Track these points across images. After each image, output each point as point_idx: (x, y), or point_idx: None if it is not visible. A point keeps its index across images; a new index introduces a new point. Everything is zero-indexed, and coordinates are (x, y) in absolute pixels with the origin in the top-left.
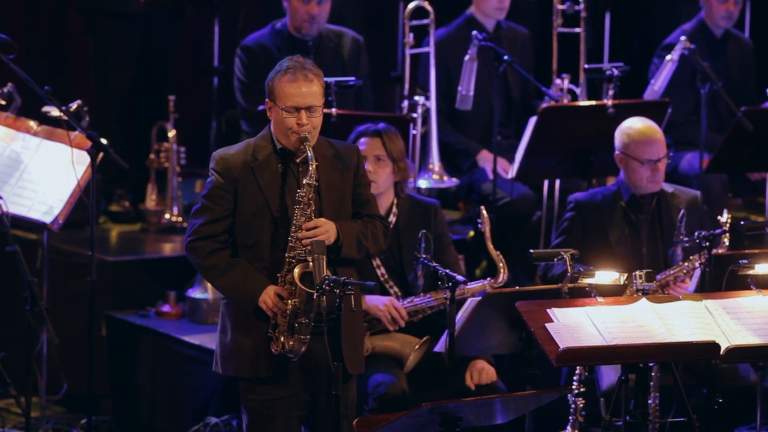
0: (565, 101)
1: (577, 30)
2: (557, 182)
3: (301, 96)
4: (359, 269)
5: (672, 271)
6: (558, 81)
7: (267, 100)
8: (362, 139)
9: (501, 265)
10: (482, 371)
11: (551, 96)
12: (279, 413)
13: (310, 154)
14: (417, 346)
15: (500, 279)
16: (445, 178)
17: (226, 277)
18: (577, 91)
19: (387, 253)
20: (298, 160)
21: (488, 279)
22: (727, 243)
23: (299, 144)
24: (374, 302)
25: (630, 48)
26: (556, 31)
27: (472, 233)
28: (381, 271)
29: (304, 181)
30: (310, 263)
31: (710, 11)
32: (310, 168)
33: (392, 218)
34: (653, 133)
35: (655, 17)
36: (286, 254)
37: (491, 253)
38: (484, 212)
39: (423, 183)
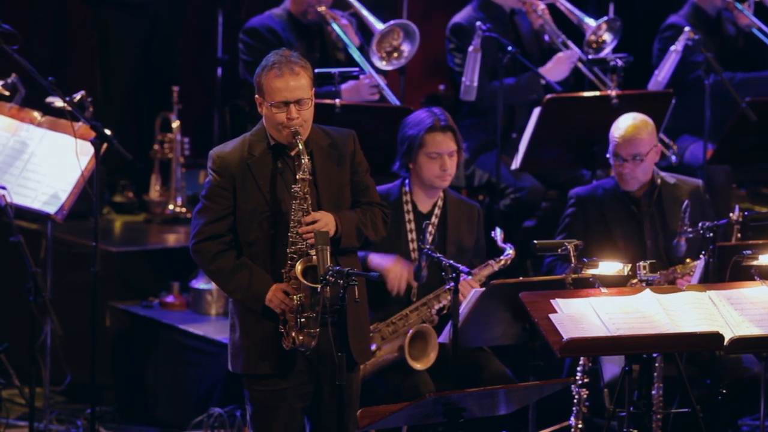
0: None
1: None
2: None
3: (289, 90)
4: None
5: (681, 271)
6: None
7: (256, 96)
8: (435, 135)
9: (506, 245)
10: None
11: (555, 87)
12: (282, 404)
13: (301, 147)
14: (406, 344)
15: (505, 254)
16: None
17: (232, 281)
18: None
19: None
20: (292, 154)
21: (492, 260)
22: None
23: (291, 138)
24: (386, 263)
25: (633, 38)
26: None
27: None
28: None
29: (298, 176)
30: (313, 256)
31: None
32: (303, 162)
33: (437, 211)
34: (634, 132)
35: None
36: (288, 249)
37: (498, 242)
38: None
39: None
